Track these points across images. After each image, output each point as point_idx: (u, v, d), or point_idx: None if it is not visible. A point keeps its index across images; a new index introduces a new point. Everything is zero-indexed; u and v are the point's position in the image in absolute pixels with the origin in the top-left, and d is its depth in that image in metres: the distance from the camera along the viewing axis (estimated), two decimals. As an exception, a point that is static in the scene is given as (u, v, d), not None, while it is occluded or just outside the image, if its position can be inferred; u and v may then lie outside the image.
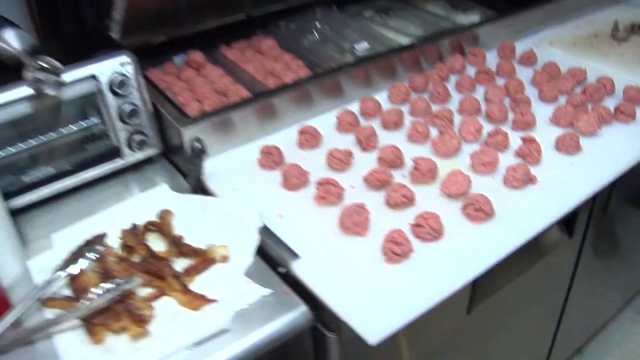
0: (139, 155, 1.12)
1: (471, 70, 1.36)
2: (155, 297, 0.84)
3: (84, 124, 1.07)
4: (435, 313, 0.82)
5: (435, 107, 1.21)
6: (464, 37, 1.44)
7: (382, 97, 1.25)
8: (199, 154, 0.97)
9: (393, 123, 1.15)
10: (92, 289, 0.80)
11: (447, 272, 0.84)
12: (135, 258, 0.90)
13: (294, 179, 0.98)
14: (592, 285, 1.56)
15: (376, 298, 0.80)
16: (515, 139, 1.10)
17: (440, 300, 0.81)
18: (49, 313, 0.83)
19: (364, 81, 1.29)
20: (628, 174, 1.10)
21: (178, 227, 0.97)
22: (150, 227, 0.97)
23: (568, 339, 1.62)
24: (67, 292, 0.87)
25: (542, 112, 1.19)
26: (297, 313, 0.81)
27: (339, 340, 0.85)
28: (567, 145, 1.08)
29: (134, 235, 0.94)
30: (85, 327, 0.80)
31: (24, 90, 0.97)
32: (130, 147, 1.10)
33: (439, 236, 0.88)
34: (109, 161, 1.10)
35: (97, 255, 0.89)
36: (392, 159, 1.03)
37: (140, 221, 0.97)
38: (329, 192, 0.94)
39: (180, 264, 0.89)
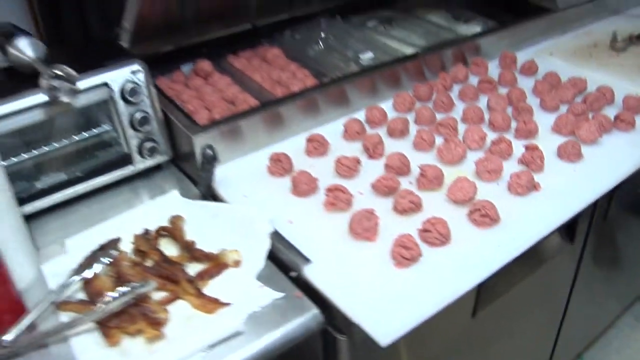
0: (149, 162, 1.14)
1: (474, 80, 1.39)
2: (169, 301, 0.85)
3: (95, 131, 1.10)
4: (442, 316, 0.84)
5: (439, 116, 1.24)
6: (466, 47, 1.47)
7: (387, 106, 1.28)
8: (211, 160, 0.99)
9: (399, 131, 1.17)
10: (108, 293, 0.82)
11: (455, 276, 0.86)
12: (148, 263, 0.92)
13: (304, 186, 1.00)
14: (592, 292, 1.58)
15: (386, 301, 0.82)
16: (518, 147, 1.13)
17: (449, 303, 0.83)
18: (64, 316, 0.85)
19: (369, 90, 1.31)
20: (627, 183, 1.13)
21: (189, 233, 0.98)
22: (162, 232, 0.98)
23: (569, 344, 1.64)
24: (82, 295, 0.88)
25: (543, 120, 1.21)
26: (308, 316, 0.83)
27: (349, 343, 0.86)
28: (569, 153, 1.10)
29: (147, 241, 0.96)
30: (101, 330, 0.81)
31: (38, 98, 0.99)
32: (141, 154, 1.11)
33: (446, 241, 0.90)
34: (119, 168, 1.11)
35: (111, 260, 0.91)
36: (399, 166, 1.05)
37: (152, 227, 0.99)
38: (338, 198, 0.96)
39: (192, 269, 0.91)
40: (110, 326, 0.81)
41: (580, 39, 1.60)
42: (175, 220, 1.00)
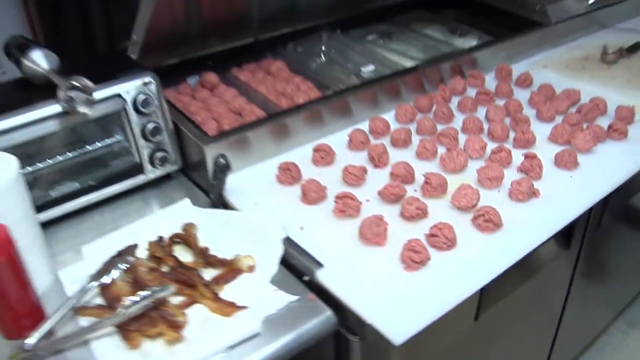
0: (160, 172, 1.16)
1: (472, 92, 1.44)
2: (187, 305, 0.88)
3: (108, 141, 1.13)
4: (446, 320, 0.87)
5: (440, 127, 1.28)
6: (463, 60, 1.52)
7: (389, 117, 1.31)
8: (224, 169, 1.02)
9: (402, 141, 1.21)
10: (129, 297, 0.84)
11: (462, 279, 0.90)
12: (164, 268, 0.95)
13: (313, 193, 1.04)
14: (586, 297, 1.63)
15: (397, 302, 0.85)
16: (517, 156, 1.17)
17: (458, 304, 0.86)
18: (84, 321, 0.87)
19: (371, 102, 1.35)
20: (618, 192, 1.17)
21: (202, 240, 1.01)
22: (176, 239, 1.01)
23: (565, 348, 1.68)
24: (99, 301, 0.91)
25: (540, 130, 1.26)
26: (322, 318, 0.86)
27: (361, 344, 0.89)
28: (566, 161, 1.15)
29: (161, 247, 0.99)
30: (121, 334, 0.84)
31: (53, 109, 1.02)
32: (152, 163, 1.14)
33: (452, 245, 0.94)
34: (131, 177, 1.14)
35: (128, 266, 0.93)
36: (404, 175, 1.09)
37: (166, 234, 1.02)
38: (347, 205, 1.00)
39: (208, 274, 0.94)
40: (131, 329, 0.83)
41: (572, 52, 1.66)
42: (188, 227, 1.03)
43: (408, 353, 1.00)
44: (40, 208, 1.04)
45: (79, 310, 0.88)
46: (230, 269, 0.93)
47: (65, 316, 0.87)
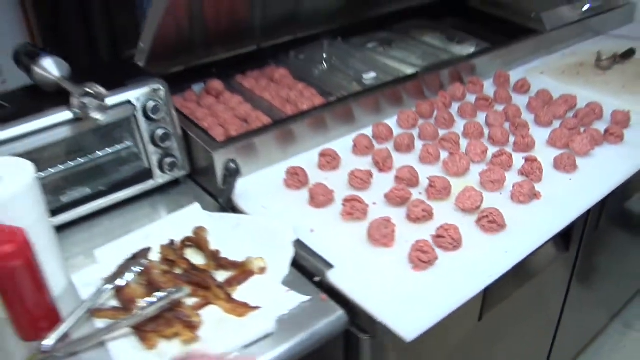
0: (169, 177, 1.18)
1: (471, 98, 1.47)
2: (201, 306, 0.90)
3: (118, 147, 1.15)
4: (452, 319, 0.90)
5: (441, 132, 1.31)
6: (462, 67, 1.55)
7: (391, 123, 1.34)
8: (234, 174, 1.04)
9: (405, 146, 1.24)
10: (146, 299, 0.86)
11: (468, 278, 0.93)
12: (177, 271, 0.96)
13: (321, 197, 1.06)
14: (584, 298, 1.66)
15: (407, 301, 0.88)
16: (517, 159, 1.20)
17: (465, 302, 0.89)
18: (99, 323, 0.89)
19: (373, 108, 1.38)
20: (615, 196, 1.20)
21: (213, 243, 1.03)
22: (187, 242, 1.03)
23: (564, 349, 1.70)
24: (114, 303, 0.93)
25: (539, 134, 1.29)
26: (334, 317, 0.89)
27: (372, 342, 0.92)
28: (565, 164, 1.18)
29: (173, 251, 1.00)
30: (138, 335, 0.85)
31: (65, 115, 1.04)
32: (161, 169, 1.16)
33: (458, 246, 0.97)
34: (141, 182, 1.16)
35: (142, 269, 0.95)
36: (409, 178, 1.11)
37: (177, 237, 1.04)
38: (355, 208, 1.02)
39: (220, 276, 0.96)
40: (147, 330, 0.85)
41: (567, 58, 1.70)
42: (199, 231, 1.05)
43: (415, 351, 1.02)
44: (52, 213, 1.05)
45: (95, 312, 0.90)
46: (242, 271, 0.96)
47: (81, 318, 0.89)
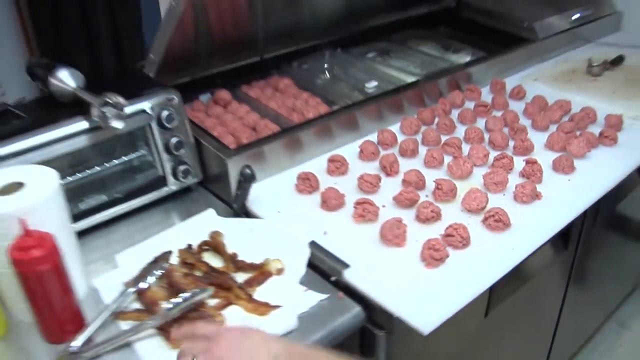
0: (182, 184, 1.22)
1: (469, 104, 1.52)
2: (223, 306, 0.93)
3: (133, 155, 1.18)
4: (460, 316, 0.94)
5: (443, 137, 1.36)
6: (460, 75, 1.61)
7: (394, 129, 1.39)
8: (249, 179, 1.08)
9: (410, 151, 1.29)
10: (172, 299, 0.89)
11: (478, 274, 0.97)
12: (197, 273, 1.00)
13: (333, 200, 1.10)
14: (581, 297, 1.71)
15: (421, 297, 0.92)
16: (518, 162, 1.25)
17: (476, 297, 0.93)
18: (124, 325, 0.92)
19: (376, 116, 1.43)
20: (609, 198, 1.25)
21: (229, 247, 1.06)
22: (205, 246, 1.06)
23: (562, 347, 1.75)
24: (136, 305, 0.95)
25: (537, 138, 1.35)
26: (352, 314, 0.92)
27: (387, 337, 0.95)
28: (564, 166, 1.23)
29: (191, 254, 1.04)
30: (163, 335, 0.88)
31: (83, 125, 1.08)
32: (175, 176, 1.20)
33: (467, 244, 1.01)
34: (155, 189, 1.19)
35: (163, 272, 0.98)
36: (416, 181, 1.16)
37: (194, 242, 1.07)
38: (367, 210, 1.06)
39: (238, 278, 0.99)
40: (172, 330, 0.88)
41: (559, 65, 1.76)
42: (215, 235, 1.08)
43: (427, 347, 1.06)
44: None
45: (119, 314, 0.93)
46: (261, 272, 0.99)
47: (105, 321, 0.92)
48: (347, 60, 1.70)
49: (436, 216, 1.07)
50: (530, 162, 1.21)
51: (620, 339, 2.11)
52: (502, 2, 1.97)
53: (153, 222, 1.18)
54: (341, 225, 1.08)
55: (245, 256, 1.04)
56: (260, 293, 0.96)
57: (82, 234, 1.12)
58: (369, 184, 1.15)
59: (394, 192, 1.14)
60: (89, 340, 0.89)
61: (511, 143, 1.33)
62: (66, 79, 1.14)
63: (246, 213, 1.15)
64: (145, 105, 1.14)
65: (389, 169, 1.22)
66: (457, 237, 1.00)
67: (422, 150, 1.31)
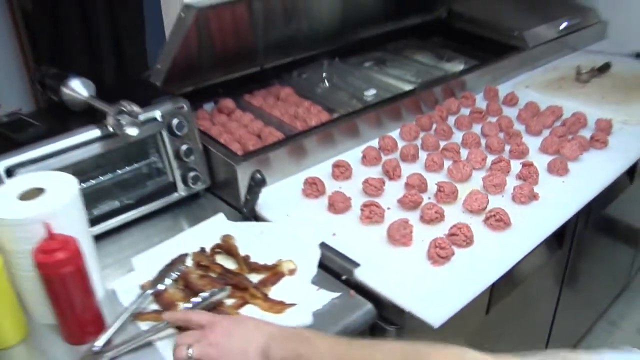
0: (192, 190, 1.25)
1: (465, 111, 1.58)
2: (239, 306, 0.96)
3: (144, 162, 1.21)
4: (463, 312, 0.98)
5: (442, 142, 1.41)
6: (454, 83, 1.67)
7: (393, 135, 1.44)
8: (260, 183, 1.12)
9: (411, 156, 1.34)
10: (192, 299, 0.93)
11: (482, 270, 1.02)
12: (212, 274, 1.03)
13: (340, 204, 1.14)
14: (575, 297, 1.76)
15: (429, 293, 0.96)
16: (514, 165, 1.31)
17: (481, 292, 0.98)
18: (143, 325, 0.95)
19: (376, 123, 1.47)
20: (599, 200, 1.31)
21: (240, 250, 1.10)
22: (217, 249, 1.10)
23: (558, 345, 1.80)
24: (154, 307, 0.98)
25: (531, 142, 1.40)
26: (363, 311, 0.96)
27: (397, 333, 0.99)
28: (558, 168, 1.29)
29: (205, 257, 1.07)
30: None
31: (95, 133, 1.11)
32: (185, 182, 1.23)
33: (471, 243, 1.06)
34: (166, 195, 1.22)
35: (179, 274, 1.02)
36: (419, 184, 1.21)
37: (206, 245, 1.10)
38: (373, 213, 1.11)
39: (252, 279, 1.02)
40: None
41: (549, 73, 1.83)
42: (227, 238, 1.11)
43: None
44: (86, 225, 1.12)
45: (138, 315, 0.96)
46: (274, 273, 1.03)
47: (125, 322, 0.95)
48: (345, 69, 1.75)
49: (440, 217, 1.11)
50: (527, 165, 1.26)
51: (612, 337, 2.16)
52: (492, 13, 2.04)
53: (163, 227, 1.21)
54: (349, 227, 1.12)
55: (256, 258, 1.07)
56: (274, 293, 1.00)
57: (95, 239, 1.15)
58: (373, 188, 1.19)
59: (397, 194, 1.18)
60: (108, 341, 0.92)
61: (507, 147, 1.39)
62: (78, 88, 1.17)
63: (255, 217, 1.19)
64: (156, 113, 1.17)
65: (392, 173, 1.26)
66: (461, 236, 1.04)
67: (422, 155, 1.36)
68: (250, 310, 0.96)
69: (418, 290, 0.96)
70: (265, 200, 1.21)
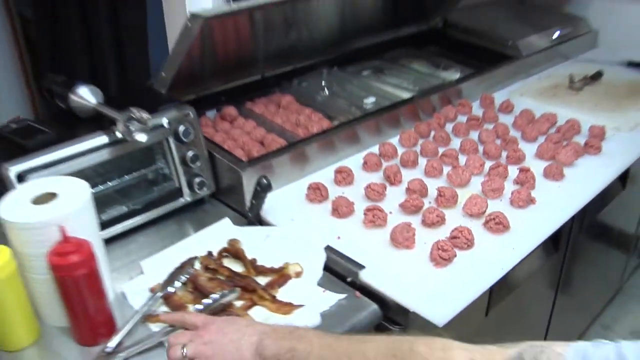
0: (197, 196, 1.27)
1: (462, 118, 1.62)
2: (248, 307, 0.99)
3: (151, 168, 1.24)
4: (463, 314, 1.01)
5: (440, 149, 1.44)
6: (451, 91, 1.71)
7: (393, 142, 1.47)
8: (266, 188, 1.14)
9: (411, 162, 1.37)
10: (204, 300, 0.95)
11: (483, 271, 1.05)
12: (221, 277, 1.05)
13: (344, 208, 1.17)
14: (569, 301, 1.80)
15: (432, 293, 0.99)
16: (511, 170, 1.34)
17: (483, 292, 1.01)
18: (154, 327, 0.97)
19: (375, 130, 1.51)
20: (593, 205, 1.34)
21: (246, 253, 1.12)
22: (225, 253, 1.12)
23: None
24: (164, 309, 1.01)
25: (527, 148, 1.44)
26: (369, 311, 0.99)
27: (402, 333, 1.02)
28: (554, 173, 1.33)
29: (212, 261, 1.09)
30: (193, 334, 0.94)
31: (103, 139, 1.13)
32: (191, 188, 1.26)
33: (471, 245, 1.09)
34: (172, 201, 1.25)
35: (188, 277, 1.04)
36: (420, 189, 1.24)
37: (213, 249, 1.13)
38: (377, 216, 1.14)
39: (259, 281, 1.05)
40: (203, 329, 0.93)
41: (543, 81, 1.88)
42: (234, 242, 1.14)
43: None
44: (94, 230, 1.14)
45: (148, 317, 0.98)
46: (281, 275, 1.05)
47: (136, 324, 0.97)
48: (344, 77, 1.78)
49: (441, 220, 1.15)
50: (524, 170, 1.30)
51: (605, 340, 2.19)
52: (486, 22, 2.09)
53: (168, 232, 1.24)
54: (353, 230, 1.15)
55: (263, 262, 1.09)
56: (281, 294, 1.02)
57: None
58: (375, 193, 1.22)
59: (399, 199, 1.22)
60: (120, 343, 0.94)
61: (504, 153, 1.43)
62: (86, 95, 1.20)
63: (260, 221, 1.22)
64: (163, 120, 1.20)
65: (393, 178, 1.30)
66: (462, 239, 1.08)
67: (422, 161, 1.39)
68: (258, 312, 0.98)
69: (422, 291, 0.99)
70: (270, 205, 1.23)
